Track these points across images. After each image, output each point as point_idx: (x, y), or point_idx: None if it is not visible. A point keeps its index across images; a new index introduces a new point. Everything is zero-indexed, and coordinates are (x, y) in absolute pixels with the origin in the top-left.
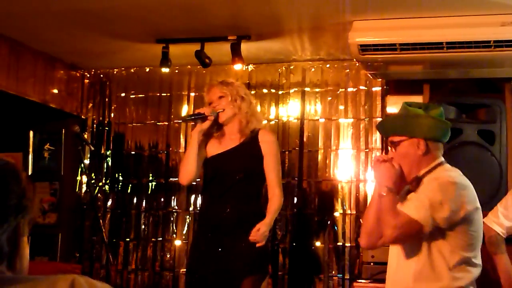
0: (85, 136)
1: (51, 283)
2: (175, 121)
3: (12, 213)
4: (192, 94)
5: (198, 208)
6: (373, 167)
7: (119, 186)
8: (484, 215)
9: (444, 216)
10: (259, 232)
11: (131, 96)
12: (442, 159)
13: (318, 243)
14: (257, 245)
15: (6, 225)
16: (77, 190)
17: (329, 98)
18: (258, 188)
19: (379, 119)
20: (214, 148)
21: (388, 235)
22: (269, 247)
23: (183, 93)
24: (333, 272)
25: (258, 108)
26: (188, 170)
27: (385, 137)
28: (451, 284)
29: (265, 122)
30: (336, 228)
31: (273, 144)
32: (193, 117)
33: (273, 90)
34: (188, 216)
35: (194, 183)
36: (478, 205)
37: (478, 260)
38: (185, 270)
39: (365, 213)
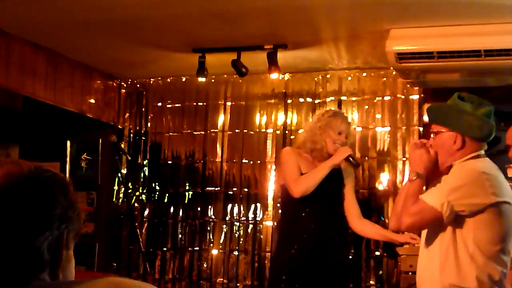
0: (122, 145)
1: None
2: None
3: (56, 222)
4: (229, 104)
5: (280, 221)
6: (409, 151)
7: (156, 195)
8: None
9: (463, 202)
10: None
11: (168, 106)
12: (480, 153)
13: (355, 252)
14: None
15: (48, 232)
16: (114, 199)
17: (366, 107)
18: (341, 208)
19: (416, 128)
20: (307, 165)
21: (404, 222)
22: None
23: (219, 102)
24: (371, 282)
25: (295, 118)
26: (309, 188)
27: (429, 122)
28: (475, 279)
29: (301, 131)
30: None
31: (353, 175)
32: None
33: (309, 99)
34: (224, 226)
35: (231, 192)
36: (509, 199)
37: (507, 256)
38: (222, 279)
39: (397, 196)
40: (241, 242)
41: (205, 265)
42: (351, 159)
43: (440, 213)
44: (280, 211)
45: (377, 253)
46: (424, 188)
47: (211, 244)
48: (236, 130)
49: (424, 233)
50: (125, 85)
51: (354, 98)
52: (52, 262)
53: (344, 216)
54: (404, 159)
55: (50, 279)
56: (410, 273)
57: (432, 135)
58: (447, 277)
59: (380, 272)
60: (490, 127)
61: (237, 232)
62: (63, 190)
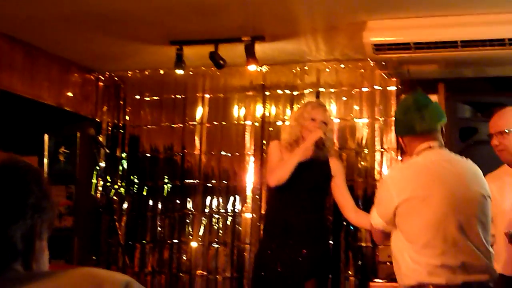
0: (100, 139)
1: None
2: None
3: (29, 212)
4: (207, 96)
5: (266, 211)
6: None
7: (135, 188)
8: None
9: (380, 212)
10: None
11: (146, 99)
12: (424, 147)
13: (334, 244)
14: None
15: (21, 221)
16: (92, 193)
17: (344, 99)
18: (323, 200)
19: (394, 119)
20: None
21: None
22: (330, 251)
23: (197, 95)
24: (349, 272)
25: (274, 110)
26: (284, 176)
27: None
28: (404, 276)
29: (280, 123)
30: (352, 228)
31: (342, 168)
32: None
33: (287, 91)
34: (204, 218)
35: (210, 185)
36: (410, 195)
37: (424, 256)
38: (202, 271)
39: None
40: (220, 234)
41: (184, 258)
42: (320, 142)
43: (375, 228)
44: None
45: (356, 243)
46: None
47: (190, 237)
48: (215, 123)
49: None
50: (103, 78)
51: (332, 90)
52: (25, 251)
53: (319, 208)
54: (382, 150)
55: (23, 269)
56: (388, 263)
57: None
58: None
59: (360, 263)
60: (401, 123)
61: (216, 225)
62: (37, 181)
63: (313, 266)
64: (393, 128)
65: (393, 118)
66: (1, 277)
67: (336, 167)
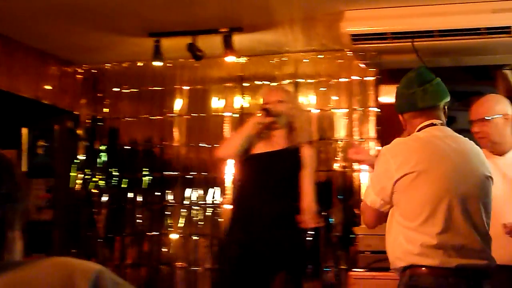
0: (79, 131)
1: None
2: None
3: (0, 201)
4: (185, 88)
5: (233, 201)
6: None
7: (114, 181)
8: None
9: (377, 189)
10: (311, 219)
11: (124, 91)
12: (426, 123)
13: (313, 233)
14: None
15: None
16: (72, 186)
17: (323, 89)
18: (293, 192)
19: (373, 109)
20: (260, 147)
21: (364, 223)
22: (304, 244)
23: (176, 86)
24: (329, 263)
25: (239, 100)
26: (231, 146)
27: None
28: (397, 258)
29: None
30: (331, 219)
31: (314, 158)
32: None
33: (266, 82)
34: (184, 210)
35: (189, 176)
36: (412, 170)
37: (421, 234)
38: (182, 263)
39: None
40: (200, 226)
41: (164, 250)
42: (266, 112)
43: (371, 207)
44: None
45: (335, 233)
46: None
47: (170, 229)
48: (193, 114)
49: None
50: (81, 71)
51: (310, 81)
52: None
53: (288, 199)
54: (361, 140)
55: None
56: (367, 253)
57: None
58: (391, 262)
59: (339, 253)
60: (405, 96)
61: (196, 216)
62: (8, 170)
63: (282, 258)
64: (371, 118)
65: (397, 89)
66: None
67: (307, 157)
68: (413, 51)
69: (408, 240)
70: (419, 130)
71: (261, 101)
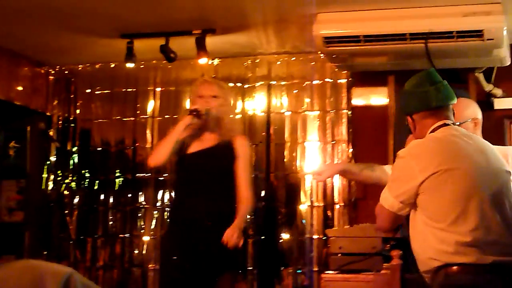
0: (51, 133)
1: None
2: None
3: None
4: (158, 89)
5: (170, 202)
6: None
7: (86, 182)
8: None
9: (400, 192)
10: (233, 237)
11: (97, 92)
12: (437, 124)
13: (286, 236)
14: (230, 246)
15: None
16: (43, 187)
17: (295, 91)
18: (230, 187)
19: (345, 111)
20: (192, 147)
21: (376, 227)
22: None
23: (149, 88)
24: (301, 265)
25: None
26: (162, 153)
27: None
28: (429, 259)
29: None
30: (303, 220)
31: (247, 148)
32: (195, 114)
33: (239, 84)
34: (156, 212)
35: (162, 178)
36: (437, 170)
37: (453, 234)
38: (154, 264)
39: None
40: None
41: (136, 252)
42: (194, 113)
43: (389, 211)
44: None
45: (307, 235)
46: None
47: (142, 231)
48: (166, 116)
49: None
50: (53, 72)
51: (283, 83)
52: None
53: (225, 196)
54: (334, 142)
55: None
56: (339, 255)
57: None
58: (419, 265)
59: (311, 255)
60: (417, 95)
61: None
62: None
63: (224, 260)
64: (344, 121)
65: (405, 90)
66: None
67: (240, 148)
68: (384, 54)
69: (440, 240)
70: (432, 131)
71: (193, 91)
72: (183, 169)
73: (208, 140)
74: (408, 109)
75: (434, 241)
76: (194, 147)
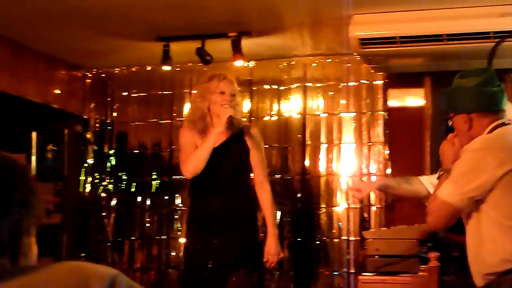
0: (88, 136)
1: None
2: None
3: (16, 207)
4: (194, 92)
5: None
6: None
7: (123, 185)
8: None
9: (471, 187)
10: (274, 253)
11: (133, 95)
12: (497, 124)
13: (322, 238)
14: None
15: (9, 217)
16: (81, 190)
17: (331, 93)
18: (247, 181)
19: (381, 113)
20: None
21: (428, 221)
22: (260, 240)
23: (184, 91)
24: (338, 267)
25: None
26: (199, 166)
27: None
28: (500, 261)
29: (267, 118)
30: (340, 222)
31: (259, 138)
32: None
33: (274, 86)
34: None
35: None
36: None
37: None
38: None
39: None
40: None
41: (173, 253)
42: (230, 122)
43: (454, 207)
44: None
45: (344, 237)
46: None
47: (179, 233)
48: None
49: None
50: (90, 75)
51: (318, 85)
52: (12, 246)
53: (243, 191)
54: (370, 144)
55: (10, 264)
56: (376, 257)
57: (450, 123)
58: (481, 267)
59: (348, 257)
60: (486, 94)
61: None
62: (23, 176)
63: (240, 255)
64: (380, 122)
65: (470, 87)
66: None
67: (251, 139)
68: (420, 55)
69: None
70: (490, 130)
71: (212, 86)
72: None
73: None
74: (467, 107)
75: (507, 241)
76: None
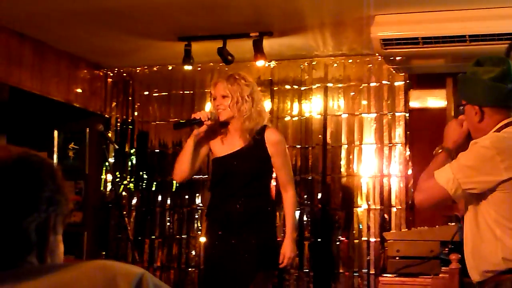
0: (109, 134)
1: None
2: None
3: (43, 205)
4: None
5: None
6: (446, 127)
7: (144, 184)
8: None
9: (471, 180)
10: (289, 255)
11: (154, 95)
12: (509, 120)
13: (342, 239)
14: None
15: (36, 214)
16: (102, 188)
17: (352, 93)
18: (266, 185)
19: (402, 114)
20: (220, 148)
21: (415, 197)
22: (278, 243)
23: (205, 90)
24: (358, 268)
25: (268, 104)
26: (182, 169)
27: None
28: (502, 260)
29: (288, 118)
30: (360, 224)
31: (280, 145)
32: (187, 124)
33: (295, 86)
34: None
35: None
36: None
37: None
38: None
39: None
40: None
41: (193, 253)
42: (194, 123)
43: (448, 194)
44: None
45: (364, 238)
46: None
47: (199, 232)
48: None
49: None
50: (111, 74)
51: (340, 85)
52: (39, 244)
53: (261, 195)
54: (391, 144)
55: (37, 262)
56: (397, 258)
57: (462, 109)
58: (479, 263)
59: (368, 258)
60: (502, 90)
61: None
62: (51, 174)
63: (258, 259)
64: (401, 123)
65: (486, 80)
66: (16, 269)
67: (273, 147)
68: (443, 56)
69: None
70: (501, 128)
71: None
72: (214, 173)
73: (235, 140)
74: (481, 100)
75: (509, 241)
76: (222, 150)
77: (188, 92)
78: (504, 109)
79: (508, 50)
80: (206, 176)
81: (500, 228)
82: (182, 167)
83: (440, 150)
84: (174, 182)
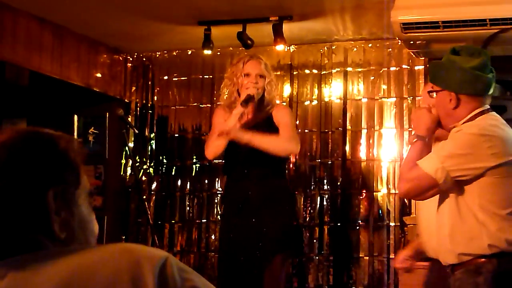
0: (129, 119)
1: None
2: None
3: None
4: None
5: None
6: (412, 114)
7: (164, 168)
8: None
9: (460, 168)
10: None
11: (174, 79)
12: (484, 108)
13: (362, 223)
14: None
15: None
16: (122, 173)
17: (372, 78)
18: (281, 164)
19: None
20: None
21: (400, 188)
22: (295, 225)
23: (225, 75)
24: (378, 252)
25: (288, 89)
26: (218, 145)
27: (429, 80)
28: (487, 247)
29: (307, 102)
30: (380, 208)
31: (287, 114)
32: (249, 100)
33: (315, 71)
34: None
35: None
36: (510, 158)
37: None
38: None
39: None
40: None
41: (213, 237)
42: (246, 101)
43: (436, 182)
44: None
45: (384, 222)
46: None
47: (219, 216)
48: None
49: (435, 200)
50: (131, 59)
51: (359, 69)
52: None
53: (276, 174)
54: (411, 129)
55: (62, 237)
56: None
57: (433, 94)
58: (457, 246)
59: (388, 242)
60: (482, 80)
61: None
62: (72, 149)
63: (276, 240)
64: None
65: (467, 69)
66: (39, 249)
67: (280, 115)
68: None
69: (502, 227)
70: (476, 115)
71: (238, 70)
72: (228, 153)
73: (250, 121)
74: (459, 87)
75: (493, 227)
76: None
77: (207, 76)
78: (480, 97)
79: (485, 43)
80: None
81: (483, 213)
82: (219, 143)
83: (415, 139)
84: (194, 167)
